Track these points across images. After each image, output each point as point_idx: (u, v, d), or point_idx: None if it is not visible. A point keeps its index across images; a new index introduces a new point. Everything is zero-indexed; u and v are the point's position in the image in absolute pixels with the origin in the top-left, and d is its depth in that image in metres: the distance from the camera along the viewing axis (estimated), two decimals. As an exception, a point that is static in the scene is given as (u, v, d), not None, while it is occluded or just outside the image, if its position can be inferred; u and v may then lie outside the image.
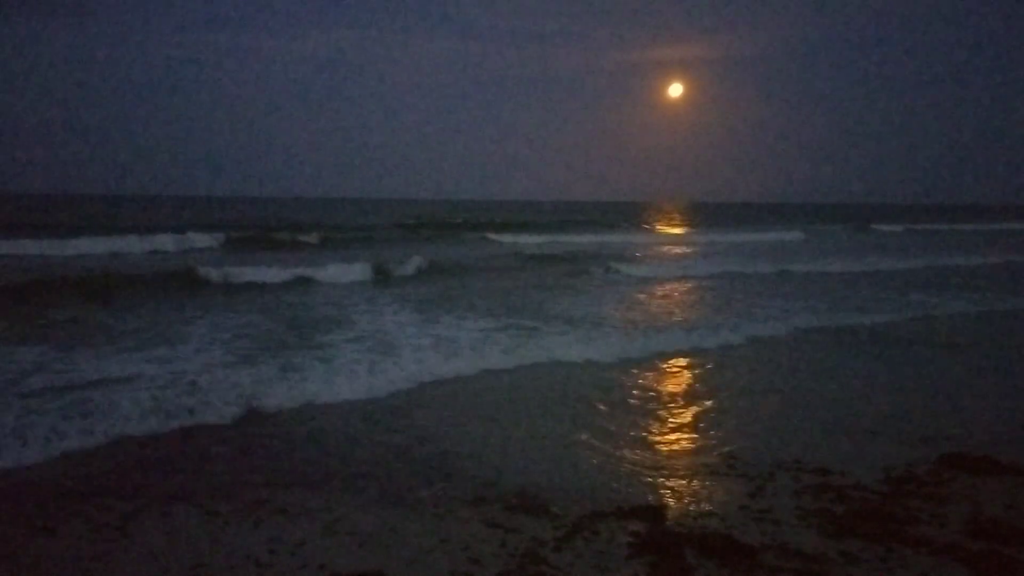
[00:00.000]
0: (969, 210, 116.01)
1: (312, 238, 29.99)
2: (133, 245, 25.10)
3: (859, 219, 70.38)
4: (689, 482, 5.55)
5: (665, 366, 9.43)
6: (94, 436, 6.27)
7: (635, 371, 9.07)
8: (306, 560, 4.30)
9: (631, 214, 79.87)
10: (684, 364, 9.55)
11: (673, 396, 8.02)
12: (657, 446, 6.38)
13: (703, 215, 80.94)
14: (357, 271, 18.62)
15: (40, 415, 6.58)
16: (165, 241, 26.07)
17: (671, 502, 5.15)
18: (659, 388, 8.34)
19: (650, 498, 5.18)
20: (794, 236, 42.40)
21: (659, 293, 16.82)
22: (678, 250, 31.49)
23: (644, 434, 6.71)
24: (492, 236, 36.07)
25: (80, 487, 5.36)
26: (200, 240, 27.27)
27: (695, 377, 8.91)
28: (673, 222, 62.26)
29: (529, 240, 34.62)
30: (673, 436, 6.68)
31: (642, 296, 16.11)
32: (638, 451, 6.24)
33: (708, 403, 7.77)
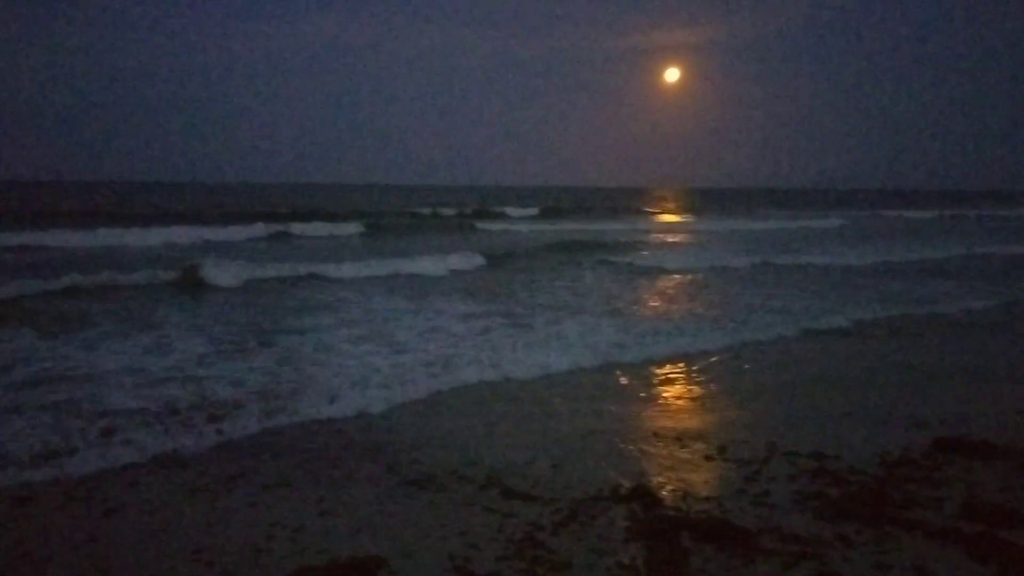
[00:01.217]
0: (990, 196, 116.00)
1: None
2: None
3: (882, 205, 70.04)
4: (685, 467, 5.57)
5: (681, 365, 9.43)
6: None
7: (658, 370, 9.05)
8: (305, 545, 4.31)
9: (645, 200, 79.87)
10: (712, 362, 9.55)
11: (672, 385, 8.05)
12: (655, 432, 6.39)
13: (719, 201, 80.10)
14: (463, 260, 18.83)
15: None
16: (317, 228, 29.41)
17: (668, 487, 5.17)
18: (668, 383, 8.36)
19: (647, 483, 5.20)
20: (831, 223, 41.73)
21: (707, 286, 15.98)
22: (709, 238, 30.58)
23: (643, 420, 6.73)
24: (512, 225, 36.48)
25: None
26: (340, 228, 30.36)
27: (706, 373, 8.92)
28: (691, 209, 60.56)
29: (564, 227, 34.73)
30: (670, 422, 6.69)
31: (690, 290, 15.39)
32: (637, 437, 6.26)
33: (705, 391, 7.81)
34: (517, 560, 4.11)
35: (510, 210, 45.12)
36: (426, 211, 42.23)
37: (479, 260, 19.25)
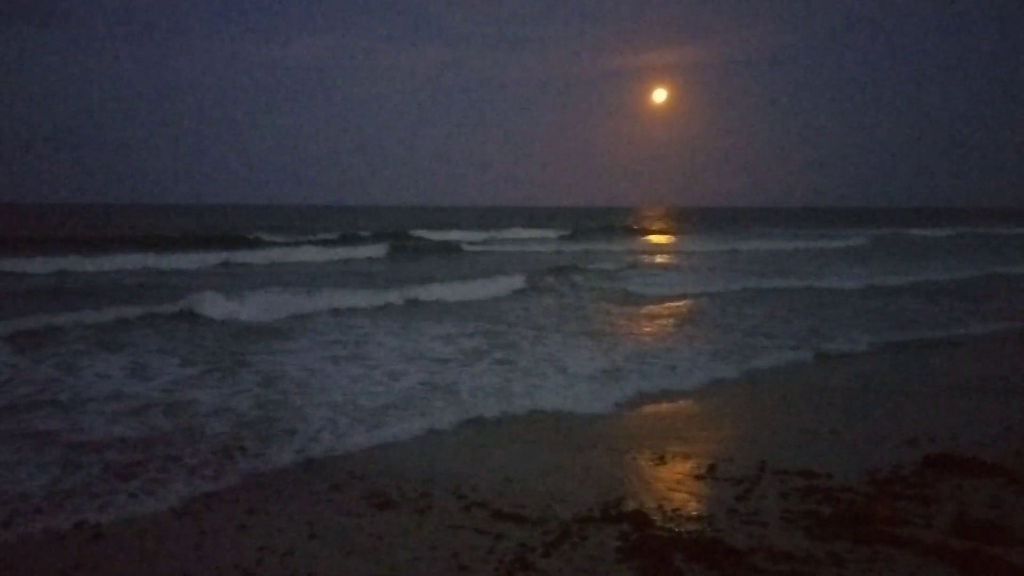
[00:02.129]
0: (1001, 214, 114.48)
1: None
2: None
3: (892, 224, 68.97)
4: (676, 487, 5.56)
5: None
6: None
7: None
8: (294, 569, 4.28)
9: (636, 219, 79.82)
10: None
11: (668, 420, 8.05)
12: (644, 452, 6.39)
13: (715, 221, 79.70)
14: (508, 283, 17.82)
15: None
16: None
17: (659, 507, 5.16)
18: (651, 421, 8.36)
19: (638, 503, 5.19)
20: (858, 242, 40.84)
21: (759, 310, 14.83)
22: (742, 260, 28.75)
23: (632, 441, 6.73)
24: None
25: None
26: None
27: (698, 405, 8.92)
28: (705, 228, 59.02)
29: (555, 248, 34.99)
30: (659, 442, 6.69)
31: (689, 315, 14.21)
32: (627, 457, 6.25)
33: (696, 410, 7.82)
34: (508, 582, 4.08)
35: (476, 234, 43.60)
36: (437, 236, 40.29)
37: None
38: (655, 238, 47.39)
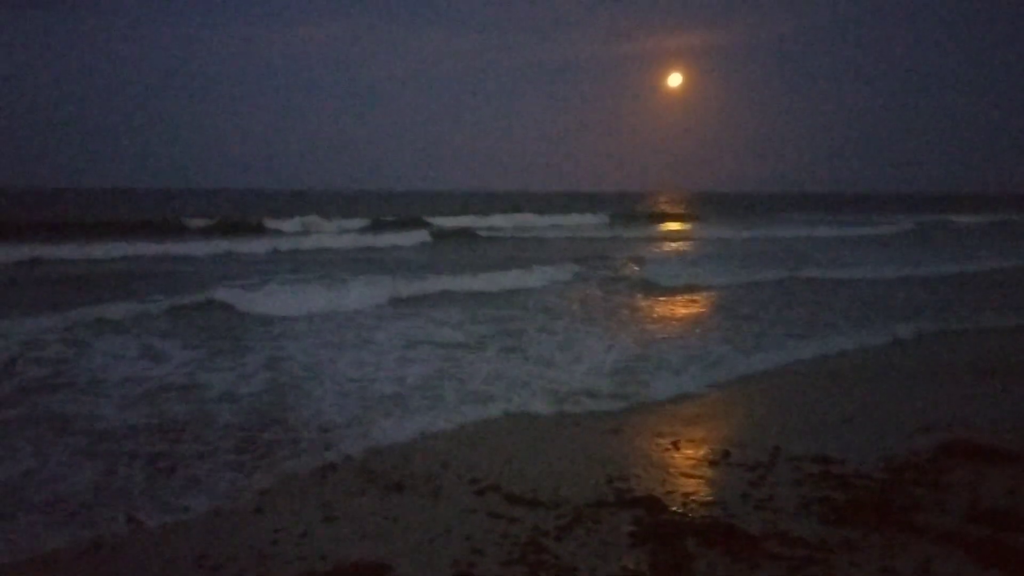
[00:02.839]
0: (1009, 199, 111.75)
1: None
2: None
3: (931, 210, 66.14)
4: (690, 472, 5.57)
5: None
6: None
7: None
8: (310, 551, 4.32)
9: (657, 203, 78.73)
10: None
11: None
12: (658, 437, 6.39)
13: (740, 206, 78.33)
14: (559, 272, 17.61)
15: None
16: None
17: (672, 492, 5.16)
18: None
19: (651, 488, 5.19)
20: (902, 228, 39.94)
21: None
22: (779, 248, 27.00)
23: (646, 426, 6.72)
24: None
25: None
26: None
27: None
28: (711, 215, 55.68)
29: (574, 235, 34.03)
30: (674, 428, 6.68)
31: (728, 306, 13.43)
32: (640, 442, 6.25)
33: (709, 395, 7.80)
34: (521, 565, 4.11)
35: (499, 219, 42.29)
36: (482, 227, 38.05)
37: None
38: (688, 225, 45.10)
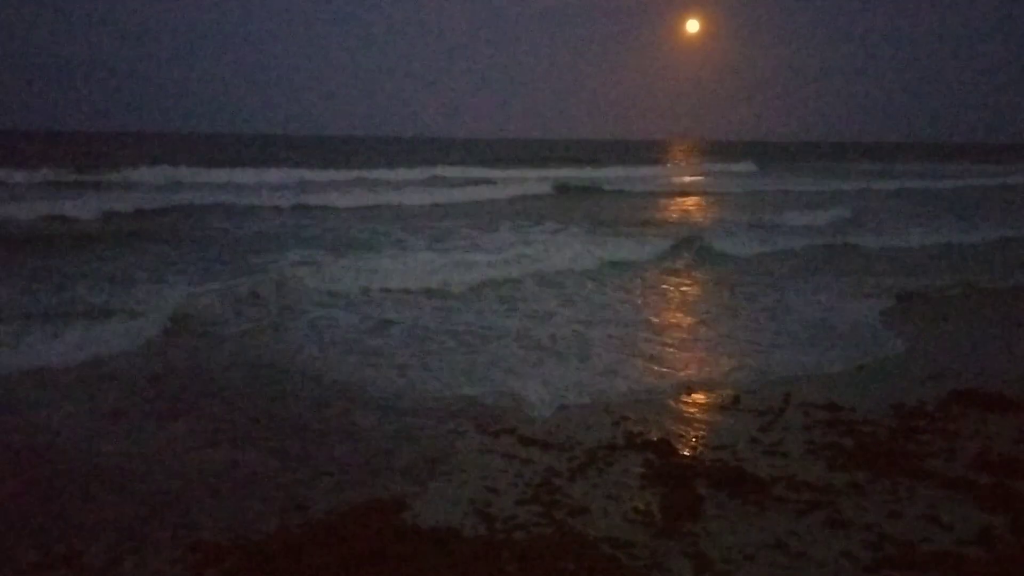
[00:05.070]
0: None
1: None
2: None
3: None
4: (700, 417, 5.64)
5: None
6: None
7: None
8: (328, 487, 4.43)
9: (694, 151, 74.54)
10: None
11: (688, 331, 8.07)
12: (671, 382, 6.45)
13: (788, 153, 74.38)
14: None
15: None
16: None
17: (683, 436, 5.25)
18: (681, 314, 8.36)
19: (662, 432, 5.27)
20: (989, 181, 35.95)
21: None
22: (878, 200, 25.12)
23: (658, 372, 6.78)
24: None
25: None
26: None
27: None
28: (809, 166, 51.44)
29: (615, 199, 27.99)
30: (685, 373, 6.74)
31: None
32: (653, 387, 6.31)
33: (719, 342, 7.83)
34: (535, 504, 4.21)
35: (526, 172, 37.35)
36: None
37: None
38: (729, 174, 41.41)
